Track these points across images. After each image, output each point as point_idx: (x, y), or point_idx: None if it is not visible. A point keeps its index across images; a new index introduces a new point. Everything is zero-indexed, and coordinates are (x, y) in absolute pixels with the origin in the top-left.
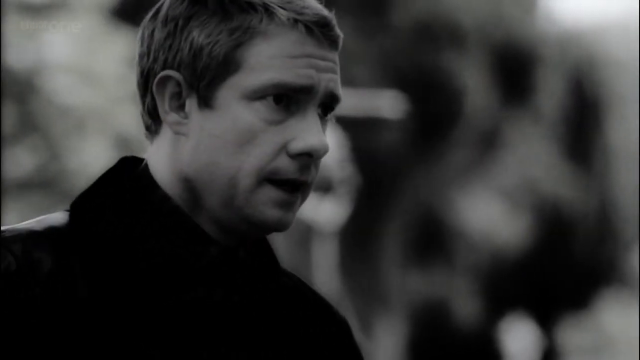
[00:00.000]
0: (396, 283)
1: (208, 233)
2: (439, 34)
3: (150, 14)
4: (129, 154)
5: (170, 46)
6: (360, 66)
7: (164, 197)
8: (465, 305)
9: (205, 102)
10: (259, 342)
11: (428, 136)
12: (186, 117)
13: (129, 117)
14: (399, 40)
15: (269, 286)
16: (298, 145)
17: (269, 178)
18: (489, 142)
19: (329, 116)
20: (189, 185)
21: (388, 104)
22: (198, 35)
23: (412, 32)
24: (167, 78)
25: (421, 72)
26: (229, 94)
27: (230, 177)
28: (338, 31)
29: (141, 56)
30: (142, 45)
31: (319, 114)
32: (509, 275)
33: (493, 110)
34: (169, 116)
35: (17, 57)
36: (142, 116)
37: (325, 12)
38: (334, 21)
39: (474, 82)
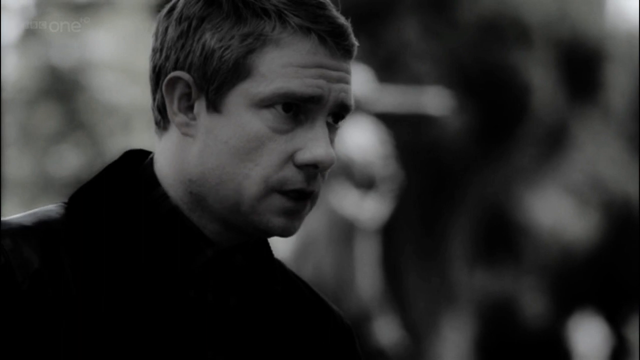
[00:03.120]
0: (463, 281)
1: (206, 235)
2: (504, 31)
3: (166, 9)
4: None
5: (182, 46)
6: (425, 64)
7: (163, 195)
8: (533, 303)
9: (214, 106)
10: (249, 345)
11: (494, 134)
12: (194, 118)
13: None
14: (465, 37)
15: (264, 290)
16: (305, 156)
17: (277, 189)
18: (557, 140)
19: (340, 124)
20: (193, 186)
21: (434, 101)
22: (210, 38)
23: (478, 30)
24: (177, 79)
25: (487, 70)
26: (238, 100)
27: (237, 184)
28: (353, 40)
29: (154, 51)
30: (156, 40)
31: (329, 123)
32: (577, 273)
33: (560, 107)
34: (177, 117)
35: (62, 56)
36: (153, 111)
37: (340, 20)
38: (349, 30)
39: (541, 80)
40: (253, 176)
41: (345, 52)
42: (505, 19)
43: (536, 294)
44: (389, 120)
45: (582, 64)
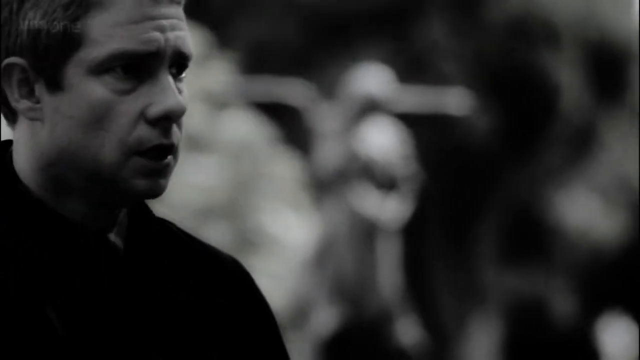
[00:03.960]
0: (492, 281)
1: (75, 221)
2: (533, 32)
3: None
4: (194, 154)
5: (8, 33)
6: (453, 64)
7: (24, 190)
8: (562, 304)
9: (54, 83)
10: (149, 323)
11: (522, 134)
12: (38, 101)
13: (197, 116)
14: (492, 37)
15: (149, 264)
16: (155, 110)
17: (136, 150)
18: (584, 140)
19: (185, 74)
20: (52, 170)
21: (455, 101)
22: (34, 17)
23: (506, 30)
24: (11, 65)
25: (515, 70)
26: (75, 71)
27: (94, 155)
28: None
29: None
30: None
31: (172, 74)
32: (606, 273)
33: (588, 107)
34: (20, 104)
35: None
36: (1, 108)
37: None
38: None
39: (569, 80)
40: (107, 144)
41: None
42: (533, 19)
43: (565, 294)
44: (410, 121)
45: (610, 64)
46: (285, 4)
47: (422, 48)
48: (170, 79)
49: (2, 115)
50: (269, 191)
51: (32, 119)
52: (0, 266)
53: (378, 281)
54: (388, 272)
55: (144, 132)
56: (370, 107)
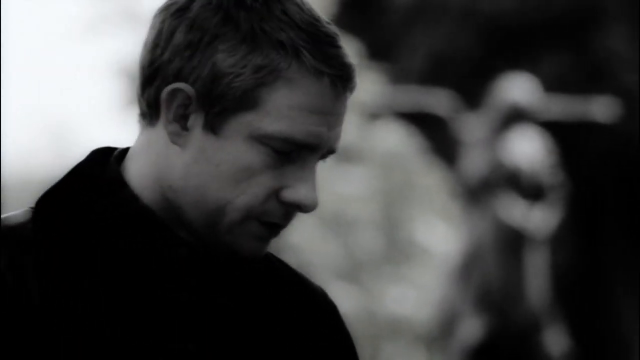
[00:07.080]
0: None
1: (179, 235)
2: None
3: (174, 8)
4: (346, 165)
5: (190, 57)
6: (633, 74)
7: (131, 196)
8: None
9: (212, 127)
10: (230, 338)
11: None
12: (187, 129)
13: (349, 127)
14: None
15: (241, 280)
16: (290, 195)
17: (256, 217)
18: None
19: (324, 160)
20: (171, 193)
21: (600, 109)
22: (222, 61)
23: None
24: (179, 90)
25: None
26: (237, 128)
27: (219, 206)
28: (357, 79)
29: (155, 46)
30: (158, 35)
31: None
32: None
33: None
34: (171, 125)
35: None
36: (139, 101)
37: (349, 59)
38: (355, 68)
39: None
40: (237, 203)
41: (349, 93)
42: None
43: None
44: (558, 129)
45: None
46: (463, 15)
47: (602, 57)
48: (315, 171)
49: (140, 111)
50: (418, 201)
51: (173, 142)
52: (91, 270)
53: (525, 291)
54: (535, 282)
55: (272, 207)
56: (516, 116)
